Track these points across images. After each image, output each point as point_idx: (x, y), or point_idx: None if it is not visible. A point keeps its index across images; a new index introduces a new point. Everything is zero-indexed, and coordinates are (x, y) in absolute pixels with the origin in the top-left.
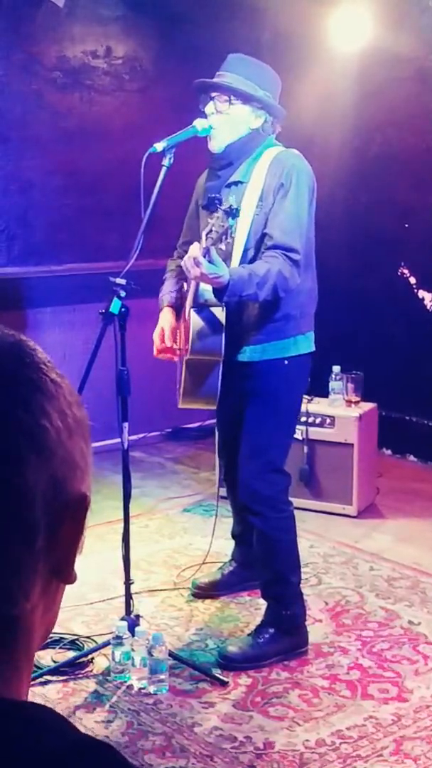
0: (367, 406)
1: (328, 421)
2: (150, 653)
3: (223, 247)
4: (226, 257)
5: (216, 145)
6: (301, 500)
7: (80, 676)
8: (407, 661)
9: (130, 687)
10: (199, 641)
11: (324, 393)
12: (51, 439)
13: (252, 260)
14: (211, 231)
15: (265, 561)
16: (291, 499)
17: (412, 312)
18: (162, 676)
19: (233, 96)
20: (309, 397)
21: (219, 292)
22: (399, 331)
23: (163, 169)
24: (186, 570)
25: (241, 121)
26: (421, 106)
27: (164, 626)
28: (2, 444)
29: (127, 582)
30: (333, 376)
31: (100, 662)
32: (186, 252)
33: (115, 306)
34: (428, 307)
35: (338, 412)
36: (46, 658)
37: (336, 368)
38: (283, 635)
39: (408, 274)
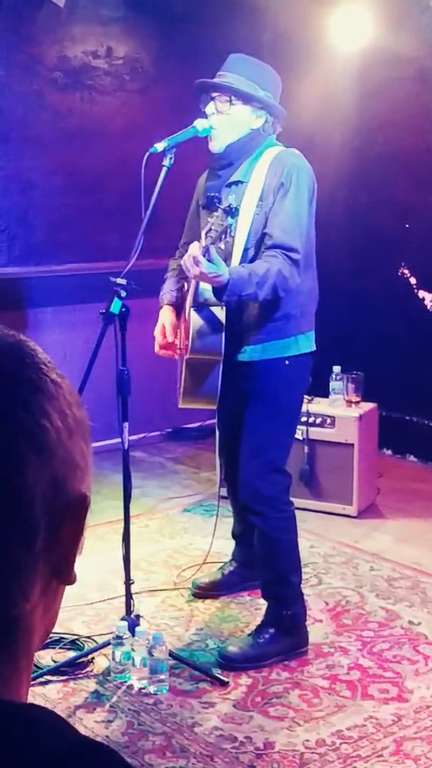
0: (368, 406)
1: (328, 421)
2: (150, 653)
3: (222, 246)
4: (226, 256)
5: (216, 146)
6: (301, 500)
7: (80, 676)
8: (407, 662)
9: (130, 687)
10: (200, 641)
11: (324, 393)
12: (51, 439)
13: (252, 260)
14: (210, 230)
15: (265, 561)
16: (291, 499)
17: (412, 312)
18: (162, 676)
19: (234, 96)
20: (309, 397)
21: (219, 291)
22: (399, 332)
23: (164, 169)
24: (186, 570)
25: (242, 122)
26: (422, 106)
27: (164, 626)
28: (2, 444)
29: (128, 582)
30: (333, 376)
31: (101, 662)
32: (187, 252)
33: (116, 306)
34: (428, 307)
35: (338, 412)
36: (46, 658)
37: (336, 368)
38: (284, 635)
39: (408, 274)
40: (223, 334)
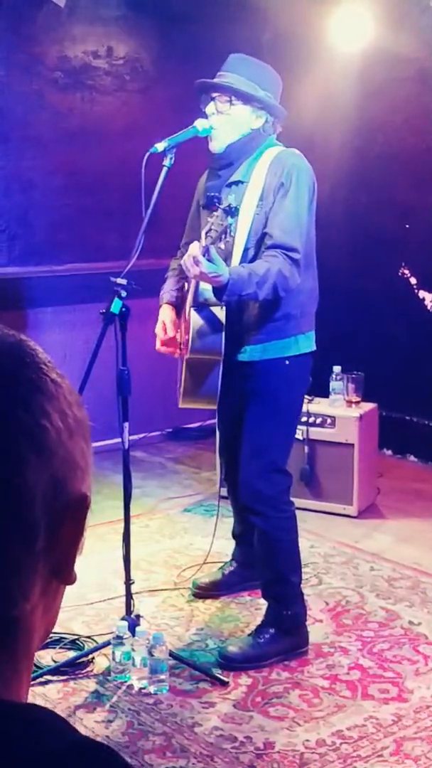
0: (368, 406)
1: (328, 421)
2: (150, 653)
3: (222, 246)
4: (226, 256)
5: (217, 146)
6: (301, 500)
7: (80, 676)
8: (407, 662)
9: (130, 687)
10: (200, 641)
11: (325, 393)
12: (51, 439)
13: (252, 260)
14: (210, 230)
15: (265, 561)
16: (291, 499)
17: (412, 312)
18: (162, 676)
19: (234, 96)
20: (309, 397)
21: (218, 291)
22: (399, 332)
23: (164, 169)
24: (186, 570)
25: (242, 122)
26: (422, 106)
27: (165, 626)
28: (2, 444)
29: (128, 582)
30: (334, 376)
31: (101, 662)
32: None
33: (116, 306)
34: (429, 308)
35: (339, 413)
36: (46, 657)
37: (336, 368)
38: (284, 635)
39: (408, 274)
40: (223, 334)
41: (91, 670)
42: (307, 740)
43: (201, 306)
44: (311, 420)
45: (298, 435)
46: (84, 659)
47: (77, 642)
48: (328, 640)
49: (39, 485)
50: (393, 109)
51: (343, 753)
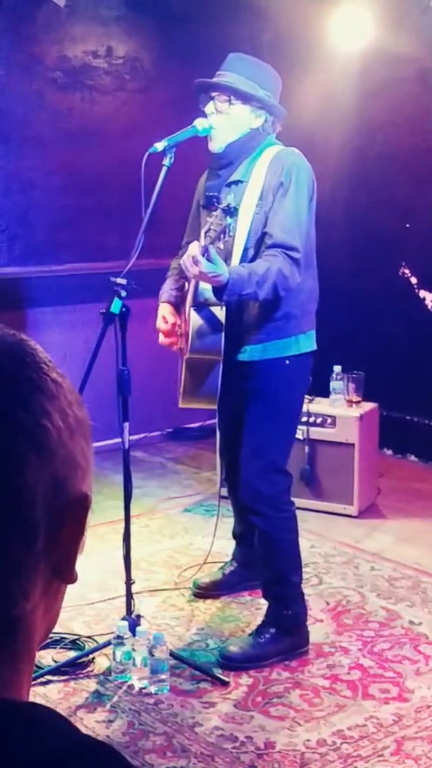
0: (368, 406)
1: (329, 421)
2: (151, 653)
3: (221, 245)
4: (226, 256)
5: (216, 145)
6: (302, 500)
7: (81, 676)
8: (408, 661)
9: (131, 687)
10: (200, 641)
11: (325, 393)
12: (52, 438)
13: (252, 259)
14: (209, 230)
15: (266, 561)
16: (292, 499)
17: (412, 312)
18: (163, 676)
19: (233, 96)
20: (310, 397)
21: (218, 291)
22: (400, 331)
23: (164, 169)
24: (187, 570)
25: (242, 121)
26: (422, 106)
27: (165, 626)
28: (2, 444)
29: (128, 582)
30: (334, 375)
31: (101, 662)
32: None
33: (116, 306)
34: (429, 307)
35: (339, 412)
36: (47, 658)
37: (337, 368)
38: (284, 635)
39: (408, 274)
40: (223, 333)
41: (92, 670)
42: (308, 740)
43: (201, 306)
44: (312, 420)
45: (299, 435)
46: (84, 659)
47: (78, 642)
48: (328, 639)
49: (39, 485)
50: (393, 109)
51: (343, 753)
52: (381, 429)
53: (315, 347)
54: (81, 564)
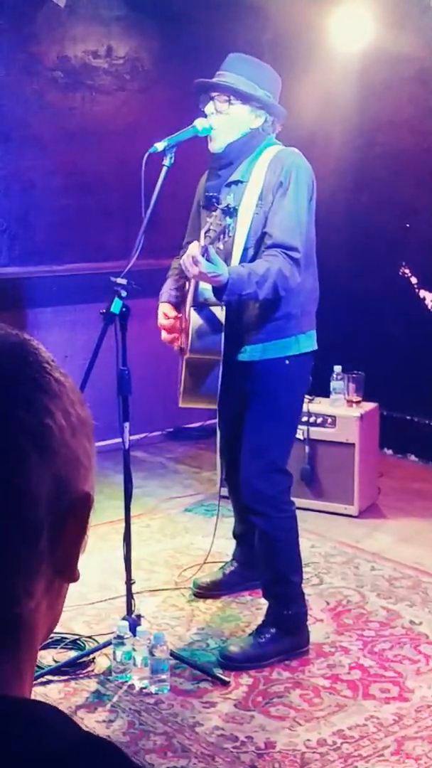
0: (369, 405)
1: (329, 420)
2: (151, 653)
3: (221, 246)
4: (226, 256)
5: (216, 146)
6: (302, 500)
7: (82, 675)
8: (408, 661)
9: (131, 687)
10: (201, 641)
11: (325, 393)
12: (54, 438)
13: (252, 259)
14: (209, 230)
15: (266, 561)
16: (292, 499)
17: (413, 312)
18: (163, 676)
19: (233, 96)
20: (310, 397)
21: (218, 291)
22: (400, 331)
23: (164, 169)
24: (187, 570)
25: (241, 121)
26: (422, 106)
27: (165, 626)
28: (4, 444)
29: (129, 582)
30: (334, 375)
31: (102, 662)
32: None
33: (116, 306)
34: (429, 307)
35: (339, 412)
36: (47, 657)
37: (337, 368)
38: (285, 635)
39: (409, 274)
40: (223, 333)
41: (92, 670)
42: (308, 740)
43: (201, 306)
44: (312, 420)
45: (299, 435)
46: (85, 659)
47: (78, 642)
48: (329, 639)
49: (42, 484)
50: (393, 109)
51: (344, 752)
52: (381, 429)
53: (315, 347)
54: (81, 564)
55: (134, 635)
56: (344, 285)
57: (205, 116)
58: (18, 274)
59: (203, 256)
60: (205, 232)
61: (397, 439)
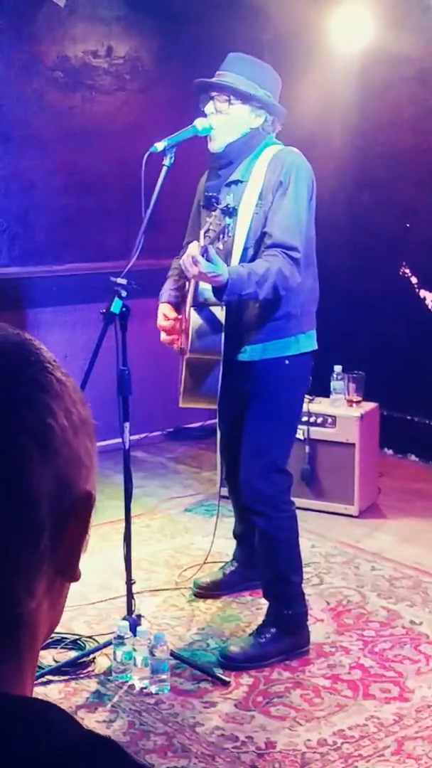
0: (369, 405)
1: (329, 420)
2: (152, 653)
3: (221, 246)
4: (226, 256)
5: (216, 146)
6: (302, 500)
7: (82, 675)
8: (409, 661)
9: (131, 687)
10: (201, 641)
11: (325, 393)
12: (56, 437)
13: (252, 259)
14: (209, 230)
15: (266, 561)
16: (292, 498)
17: (413, 312)
18: (163, 676)
19: (233, 96)
20: (310, 397)
21: (218, 291)
22: (400, 331)
23: (164, 169)
24: (187, 570)
25: (241, 121)
26: (422, 106)
27: (166, 626)
28: (6, 444)
29: (129, 582)
30: (334, 375)
31: (102, 662)
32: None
33: (116, 306)
34: (429, 307)
35: (340, 412)
36: (47, 657)
37: (337, 368)
38: (285, 635)
39: (409, 274)
40: (223, 333)
41: (93, 670)
42: (309, 740)
43: (201, 306)
44: (312, 420)
45: (299, 435)
46: (85, 659)
47: (78, 642)
48: (329, 639)
49: (44, 484)
50: (393, 109)
51: (344, 752)
52: (381, 429)
53: (315, 347)
54: (82, 563)
55: (134, 635)
56: (344, 285)
57: (205, 116)
58: (18, 274)
59: (203, 256)
60: (205, 232)
61: (397, 439)
